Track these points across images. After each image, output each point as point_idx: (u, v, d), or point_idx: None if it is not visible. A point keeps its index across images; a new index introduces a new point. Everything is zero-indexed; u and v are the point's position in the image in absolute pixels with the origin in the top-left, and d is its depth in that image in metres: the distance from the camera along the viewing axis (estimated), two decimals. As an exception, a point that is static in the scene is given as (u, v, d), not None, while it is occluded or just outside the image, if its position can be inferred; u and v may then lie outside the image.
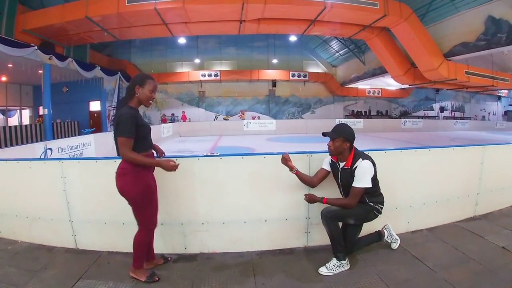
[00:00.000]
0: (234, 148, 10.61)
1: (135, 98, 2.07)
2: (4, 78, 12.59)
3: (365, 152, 2.40)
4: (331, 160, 2.40)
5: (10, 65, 10.39)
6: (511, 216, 3.33)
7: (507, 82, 14.86)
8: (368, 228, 2.50)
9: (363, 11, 10.04)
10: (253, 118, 19.15)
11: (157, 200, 2.18)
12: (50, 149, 5.99)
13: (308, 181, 2.42)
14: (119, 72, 14.40)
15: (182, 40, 16.72)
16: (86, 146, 7.43)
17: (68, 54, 12.24)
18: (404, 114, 21.90)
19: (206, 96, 19.60)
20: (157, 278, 2.15)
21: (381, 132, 16.73)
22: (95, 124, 13.84)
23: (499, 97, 24.71)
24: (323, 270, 2.22)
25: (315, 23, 11.11)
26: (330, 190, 2.49)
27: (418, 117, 21.31)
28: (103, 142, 8.05)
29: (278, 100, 20.13)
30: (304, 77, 18.87)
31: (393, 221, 2.71)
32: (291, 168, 2.37)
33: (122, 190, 2.03)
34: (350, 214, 2.26)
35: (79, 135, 11.95)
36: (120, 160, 2.05)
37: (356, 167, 2.22)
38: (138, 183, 2.01)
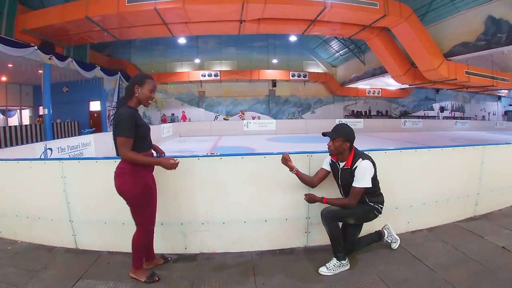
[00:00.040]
0: (234, 148, 10.60)
1: (135, 98, 2.07)
2: (4, 78, 12.58)
3: (365, 152, 2.40)
4: (331, 160, 2.40)
5: (10, 65, 10.40)
6: (511, 216, 3.33)
7: (507, 82, 14.87)
8: (368, 228, 2.50)
9: (363, 11, 10.05)
10: (253, 118, 19.15)
11: (156, 200, 2.18)
12: (50, 149, 6.00)
13: (308, 181, 2.42)
14: (119, 72, 14.42)
15: (182, 40, 16.72)
16: (86, 146, 7.44)
17: (68, 54, 12.24)
18: (404, 114, 21.91)
19: (206, 96, 19.60)
20: (157, 278, 2.14)
21: (381, 132, 16.73)
22: (95, 124, 13.83)
23: (499, 97, 24.73)
24: (323, 270, 2.22)
25: (315, 23, 11.12)
26: (330, 190, 2.49)
27: (418, 117, 21.32)
28: (103, 142, 8.05)
29: (278, 100, 20.13)
30: (304, 77, 18.88)
31: (393, 221, 2.71)
32: (291, 168, 2.37)
33: (121, 190, 2.02)
34: (350, 214, 2.26)
35: (79, 135, 11.93)
36: (120, 160, 2.04)
37: (356, 167, 2.22)
38: (137, 183, 2.01)
